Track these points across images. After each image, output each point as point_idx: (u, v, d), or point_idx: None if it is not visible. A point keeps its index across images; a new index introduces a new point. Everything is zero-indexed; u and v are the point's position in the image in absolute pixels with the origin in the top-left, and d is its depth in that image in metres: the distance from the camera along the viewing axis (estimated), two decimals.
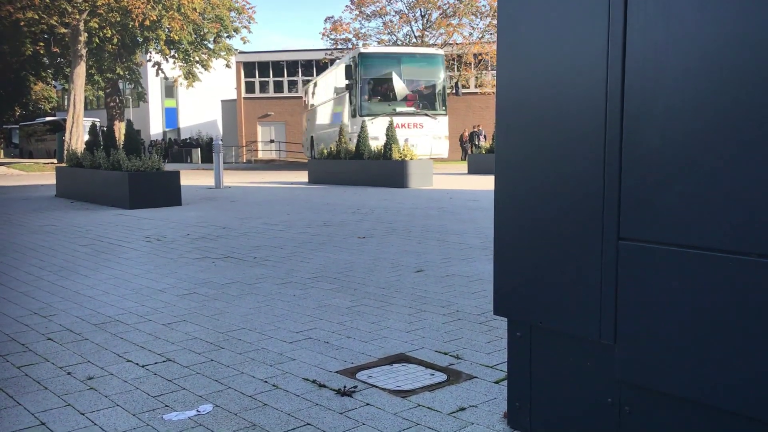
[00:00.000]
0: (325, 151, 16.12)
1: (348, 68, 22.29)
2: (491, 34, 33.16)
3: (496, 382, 2.51)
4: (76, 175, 11.40)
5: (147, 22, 26.04)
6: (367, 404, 2.32)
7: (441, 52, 23.36)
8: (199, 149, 38.65)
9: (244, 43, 33.54)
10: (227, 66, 34.28)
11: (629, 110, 1.60)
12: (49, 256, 5.56)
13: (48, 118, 43.51)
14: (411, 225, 7.40)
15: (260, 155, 39.49)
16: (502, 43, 1.90)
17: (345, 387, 2.47)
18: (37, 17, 25.49)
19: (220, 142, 14.04)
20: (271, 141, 39.92)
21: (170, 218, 8.29)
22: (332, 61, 31.87)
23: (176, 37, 28.17)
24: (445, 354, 2.87)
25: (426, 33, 34.86)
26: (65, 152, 12.95)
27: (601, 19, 1.64)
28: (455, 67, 36.63)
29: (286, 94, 39.16)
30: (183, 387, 2.52)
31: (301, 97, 33.96)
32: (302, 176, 17.60)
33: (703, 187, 1.47)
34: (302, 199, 11.12)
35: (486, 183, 13.11)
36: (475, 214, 8.48)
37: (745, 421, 1.45)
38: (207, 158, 35.42)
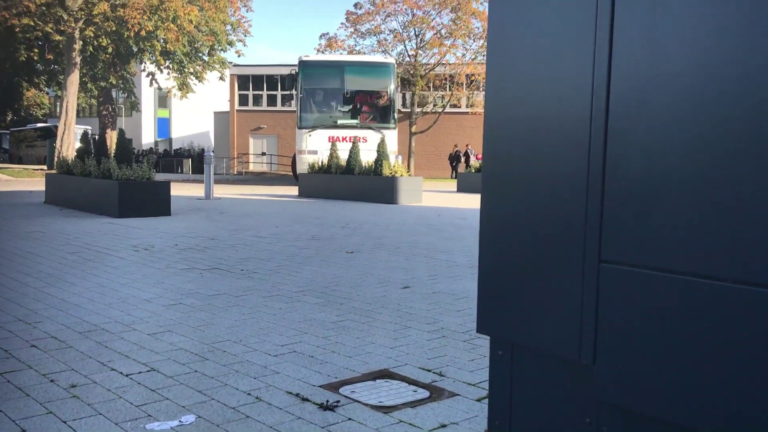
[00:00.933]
0: (316, 165, 16.13)
1: (290, 78, 21.10)
2: (483, 55, 33.47)
3: (478, 400, 2.53)
4: (65, 183, 11.37)
5: (143, 33, 26.08)
6: (350, 419, 2.33)
7: (391, 60, 21.47)
8: (190, 160, 38.62)
9: (239, 56, 33.53)
10: (221, 78, 34.35)
11: (613, 135, 1.64)
12: (35, 263, 5.54)
13: (39, 125, 43.34)
14: (399, 241, 7.43)
15: (251, 167, 39.48)
16: (490, 66, 1.94)
17: (328, 401, 2.48)
18: (32, 24, 25.48)
19: (212, 153, 14.05)
20: (263, 154, 39.93)
21: (159, 228, 8.28)
22: None
23: (171, 48, 28.23)
24: (429, 371, 2.89)
25: (419, 52, 35.11)
26: (56, 159, 12.91)
27: (587, 46, 1.68)
28: (447, 86, 36.87)
29: (279, 107, 39.24)
30: (166, 397, 2.52)
31: (294, 111, 34.11)
32: (293, 190, 17.61)
33: (681, 213, 1.51)
34: (292, 213, 11.13)
35: (474, 201, 13.09)
36: (462, 232, 8.52)
37: None
38: (198, 169, 35.37)
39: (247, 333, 3.46)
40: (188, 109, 45.14)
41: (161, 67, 30.87)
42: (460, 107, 37.90)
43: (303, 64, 20.58)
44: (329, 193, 15.01)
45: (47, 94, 49.08)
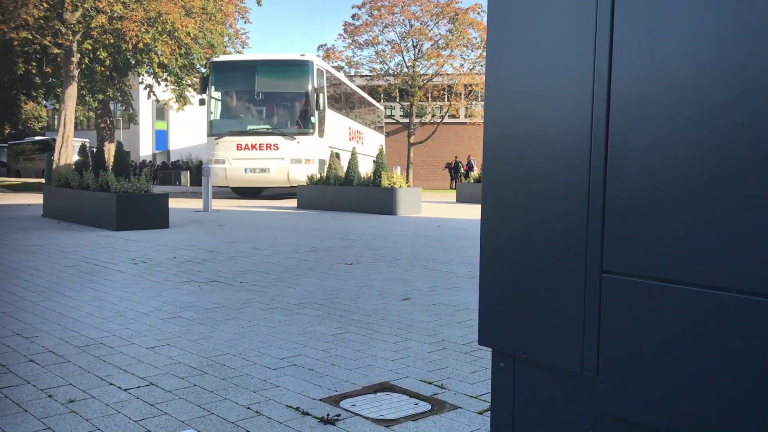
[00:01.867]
0: (315, 177, 16.14)
1: (202, 81, 19.50)
2: (481, 65, 33.61)
3: (480, 413, 2.51)
4: (63, 196, 11.35)
5: (140, 45, 26.16)
6: None
7: (310, 58, 18.67)
8: (188, 172, 38.61)
9: None
10: None
11: (613, 143, 1.63)
12: (33, 277, 5.52)
13: (37, 138, 43.39)
14: (398, 252, 7.41)
15: None
16: (489, 76, 1.94)
17: (328, 415, 2.46)
18: (30, 37, 25.55)
19: (210, 166, 14.04)
20: None
21: (157, 241, 8.26)
22: None
23: (165, 61, 28.32)
24: (430, 383, 2.86)
25: (417, 63, 35.23)
26: (53, 172, 12.90)
27: (586, 57, 1.68)
28: (445, 97, 36.97)
29: None
30: (165, 412, 2.50)
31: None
32: (291, 202, 17.60)
33: (683, 222, 1.50)
34: (290, 224, 11.11)
35: (474, 212, 13.17)
36: (462, 242, 8.51)
37: None
38: (196, 181, 35.37)
39: (246, 346, 3.44)
40: (186, 121, 45.19)
41: (159, 80, 30.94)
42: (458, 117, 37.98)
43: (214, 66, 19.00)
44: (328, 205, 15.01)
45: (45, 107, 49.15)
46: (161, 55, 27.80)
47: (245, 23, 37.41)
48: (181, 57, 28.82)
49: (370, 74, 36.36)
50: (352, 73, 36.25)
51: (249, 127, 17.97)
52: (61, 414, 2.46)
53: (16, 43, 25.80)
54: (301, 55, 18.86)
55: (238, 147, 17.34)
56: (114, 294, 4.81)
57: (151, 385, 2.81)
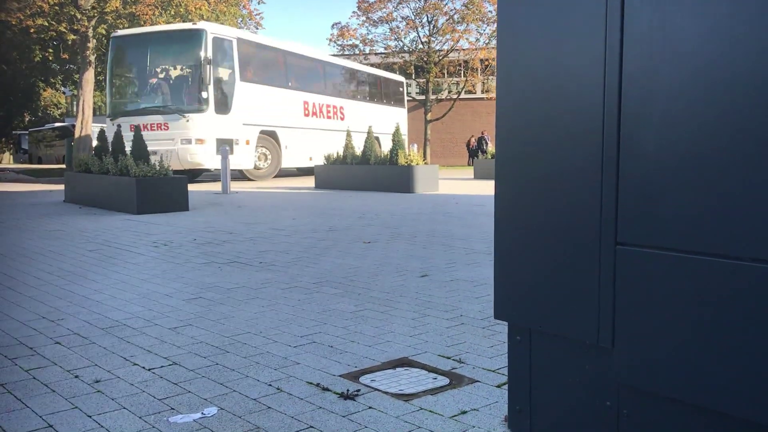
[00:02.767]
0: (332, 156, 16.13)
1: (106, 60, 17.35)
2: None
3: (498, 386, 2.53)
4: (84, 181, 11.48)
5: None
6: (370, 407, 2.34)
7: (204, 26, 16.45)
8: None
9: None
10: None
11: (626, 116, 1.62)
12: (57, 261, 5.61)
13: (57, 124, 43.74)
14: (416, 230, 7.43)
15: None
16: (501, 50, 1.93)
17: (348, 390, 2.49)
18: (46, 24, 25.68)
19: (227, 148, 14.09)
20: None
21: (177, 223, 8.34)
22: None
23: None
24: (448, 358, 2.89)
25: (432, 39, 34.92)
26: (74, 157, 13.02)
27: (598, 27, 1.67)
28: (462, 72, 36.68)
29: None
30: (188, 390, 2.55)
31: None
32: (309, 182, 17.66)
33: (697, 193, 1.49)
34: (308, 204, 11.16)
35: (492, 188, 13.07)
36: (480, 219, 8.50)
37: (742, 423, 1.47)
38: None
39: (266, 325, 3.48)
40: None
41: None
42: (475, 93, 37.69)
43: (113, 41, 17.31)
44: (345, 184, 15.03)
45: (64, 93, 49.50)
46: None
47: (259, 3, 37.32)
48: None
49: (385, 51, 36.13)
50: (367, 51, 36.05)
51: (142, 106, 16.32)
52: (87, 394, 2.52)
53: (32, 30, 25.95)
54: (194, 23, 17.14)
55: (131, 128, 15.56)
56: (136, 276, 4.89)
57: (174, 364, 2.87)
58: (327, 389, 2.53)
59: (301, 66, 20.79)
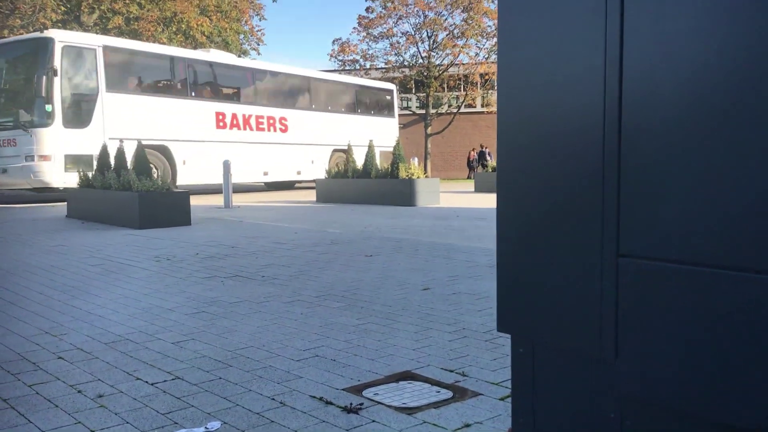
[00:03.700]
0: (333, 170, 16.14)
1: None
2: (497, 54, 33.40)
3: (501, 399, 2.53)
4: (87, 196, 11.50)
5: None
6: (373, 421, 2.34)
7: (52, 35, 15.02)
8: None
9: None
10: None
11: (627, 131, 1.63)
12: (59, 276, 5.62)
13: None
14: (418, 243, 7.43)
15: None
16: (501, 63, 1.95)
17: (351, 404, 2.49)
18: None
19: (230, 161, 14.13)
20: None
21: (180, 238, 8.35)
22: None
23: None
24: (451, 371, 2.89)
25: (432, 53, 35.08)
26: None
27: (597, 37, 1.68)
28: (461, 86, 36.82)
29: None
30: (191, 404, 2.55)
31: None
32: (311, 195, 17.69)
33: (700, 203, 1.50)
34: (310, 218, 11.18)
35: (493, 201, 13.07)
36: (482, 231, 8.51)
37: None
38: None
39: (269, 339, 3.48)
40: None
41: None
42: (475, 107, 37.80)
43: None
44: (346, 198, 15.05)
45: None
46: None
47: (260, 20, 37.54)
48: None
49: (386, 66, 36.29)
50: (368, 66, 36.21)
51: None
52: (90, 408, 2.52)
53: None
54: (41, 32, 15.61)
55: None
56: (139, 291, 4.89)
57: (177, 378, 2.87)
58: (330, 403, 2.53)
59: (214, 74, 18.92)
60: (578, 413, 1.88)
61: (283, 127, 20.00)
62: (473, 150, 34.46)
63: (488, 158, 31.25)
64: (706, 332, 1.50)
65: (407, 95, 39.08)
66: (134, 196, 9.65)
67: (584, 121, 1.74)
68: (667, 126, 1.56)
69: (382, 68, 36.66)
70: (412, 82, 36.54)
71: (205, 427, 2.32)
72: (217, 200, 15.55)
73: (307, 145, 19.73)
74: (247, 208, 13.79)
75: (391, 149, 14.94)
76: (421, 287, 4.82)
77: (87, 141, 14.74)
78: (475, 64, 34.54)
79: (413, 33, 35.12)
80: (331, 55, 36.56)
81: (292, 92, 21.15)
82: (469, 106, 37.57)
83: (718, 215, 1.48)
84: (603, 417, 1.80)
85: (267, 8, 39.22)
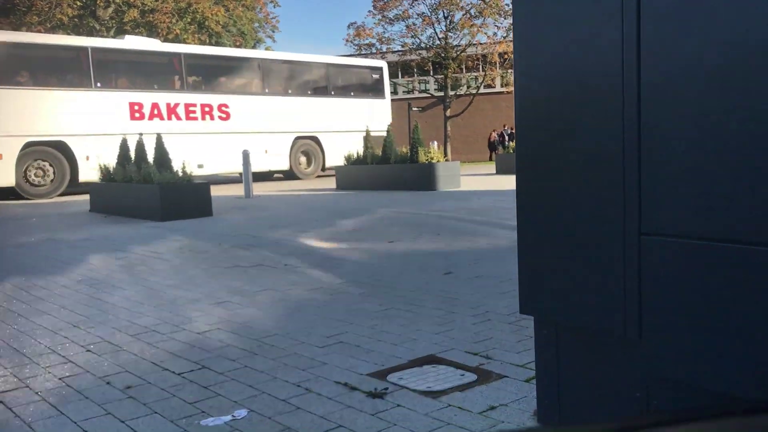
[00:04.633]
0: (353, 156, 16.07)
1: None
2: None
3: (526, 381, 2.52)
4: (108, 190, 11.62)
5: (171, 36, 26.48)
6: (398, 405, 2.35)
7: None
8: None
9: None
10: None
11: (646, 107, 1.61)
12: (85, 270, 5.69)
13: None
14: (439, 227, 7.42)
15: None
16: (518, 43, 1.92)
17: (376, 389, 2.50)
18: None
19: (249, 152, 14.17)
20: None
21: (202, 229, 8.42)
22: None
23: None
24: (475, 354, 2.89)
25: (449, 34, 34.77)
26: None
27: (615, 12, 1.65)
28: (480, 67, 36.50)
29: None
30: (218, 393, 2.58)
31: None
32: (331, 183, 17.70)
33: (722, 181, 1.47)
34: (330, 206, 11.20)
35: (514, 183, 12.99)
36: (503, 213, 8.46)
37: None
38: None
39: (294, 327, 3.50)
40: None
41: None
42: (494, 87, 37.45)
43: None
44: (366, 184, 15.02)
45: None
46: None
47: (274, 7, 37.50)
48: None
49: (402, 49, 36.07)
50: (384, 50, 36.02)
51: None
52: (120, 399, 2.56)
53: None
54: None
55: None
56: (163, 283, 4.94)
57: (204, 368, 2.90)
58: (355, 388, 2.54)
59: (128, 63, 17.34)
60: (603, 393, 1.87)
61: (224, 115, 18.20)
62: (494, 131, 34.19)
63: (506, 138, 31.02)
64: (730, 309, 1.48)
65: (425, 77, 38.85)
66: (155, 188, 9.72)
67: (604, 103, 1.71)
68: (687, 108, 1.53)
69: (398, 51, 36.45)
70: (430, 64, 36.28)
71: (232, 415, 2.34)
72: (238, 190, 15.62)
73: (256, 133, 17.92)
74: (268, 197, 13.85)
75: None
76: (443, 271, 4.82)
77: None
78: (494, 43, 34.16)
79: (429, 14, 34.80)
80: (347, 40, 36.40)
81: (235, 76, 19.30)
82: (489, 86, 37.23)
83: (742, 190, 1.45)
84: (629, 396, 1.79)
85: None
